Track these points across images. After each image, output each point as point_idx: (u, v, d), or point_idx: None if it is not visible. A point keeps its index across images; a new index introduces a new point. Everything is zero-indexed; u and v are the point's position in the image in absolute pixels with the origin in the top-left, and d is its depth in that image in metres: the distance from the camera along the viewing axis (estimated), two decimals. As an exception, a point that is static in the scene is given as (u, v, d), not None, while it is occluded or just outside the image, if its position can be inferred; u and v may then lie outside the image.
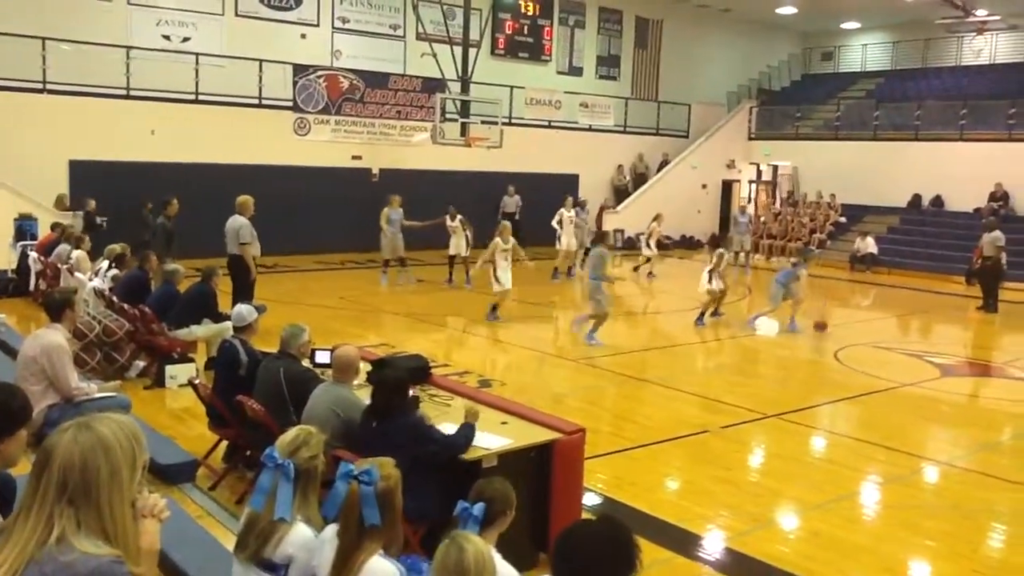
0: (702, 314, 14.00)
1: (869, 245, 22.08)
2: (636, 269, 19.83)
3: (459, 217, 16.55)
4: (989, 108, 23.20)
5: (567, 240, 18.12)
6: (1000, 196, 22.24)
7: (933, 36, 27.53)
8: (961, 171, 22.77)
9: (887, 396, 9.96)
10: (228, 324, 7.50)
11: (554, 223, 18.26)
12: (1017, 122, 22.47)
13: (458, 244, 16.60)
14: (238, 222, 11.07)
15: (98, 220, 15.97)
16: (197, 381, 6.74)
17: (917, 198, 24.02)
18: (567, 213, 18.08)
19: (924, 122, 24.14)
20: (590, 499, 6.16)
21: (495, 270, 13.16)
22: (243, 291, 10.75)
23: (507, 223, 14.20)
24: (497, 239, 13.24)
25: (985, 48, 27.68)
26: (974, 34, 25.59)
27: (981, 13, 21.94)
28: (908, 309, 16.94)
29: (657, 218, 19.69)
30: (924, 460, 7.83)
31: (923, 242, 22.05)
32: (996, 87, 24.53)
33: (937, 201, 23.75)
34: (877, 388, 10.20)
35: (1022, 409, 10.13)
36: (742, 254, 20.95)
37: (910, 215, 23.82)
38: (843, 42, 31.93)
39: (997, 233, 16.42)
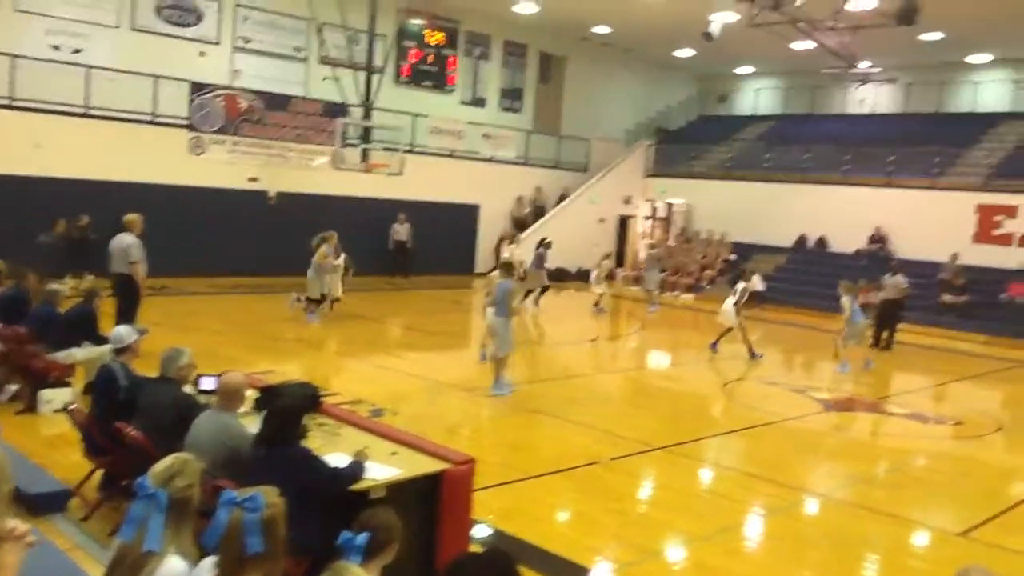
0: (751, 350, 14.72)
1: (757, 283, 22.78)
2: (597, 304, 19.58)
3: (343, 256, 15.53)
4: (870, 155, 24.41)
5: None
6: (879, 239, 23.36)
7: (820, 84, 28.84)
8: (844, 214, 23.87)
9: (771, 429, 10.26)
10: (109, 347, 7.21)
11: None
12: (895, 169, 23.71)
13: (333, 283, 15.38)
14: (126, 240, 10.71)
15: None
16: (73, 407, 6.44)
17: (803, 238, 25.02)
18: (514, 248, 18.46)
19: (811, 166, 25.23)
20: (479, 530, 6.13)
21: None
22: (130, 312, 10.36)
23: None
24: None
25: (868, 98, 29.20)
26: (857, 84, 26.92)
27: (864, 65, 23.11)
28: (792, 346, 17.56)
29: (608, 256, 20.68)
30: (805, 492, 8.08)
31: (808, 281, 22.91)
32: (877, 135, 25.86)
33: (821, 242, 24.78)
34: (762, 422, 10.51)
35: (896, 443, 10.59)
36: (655, 292, 21.25)
37: (796, 254, 24.77)
38: (737, 86, 33.20)
39: (900, 277, 17.29)
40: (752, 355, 14.62)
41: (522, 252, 19.23)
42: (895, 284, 17.18)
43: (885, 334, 17.08)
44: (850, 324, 14.53)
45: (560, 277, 22.50)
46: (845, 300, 14.52)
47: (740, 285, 14.82)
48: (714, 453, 9.28)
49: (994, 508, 7.78)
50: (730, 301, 14.72)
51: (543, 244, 19.12)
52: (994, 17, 21.19)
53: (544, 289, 19.23)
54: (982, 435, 11.00)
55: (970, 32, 23.09)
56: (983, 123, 25.88)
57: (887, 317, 17.16)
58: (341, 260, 15.37)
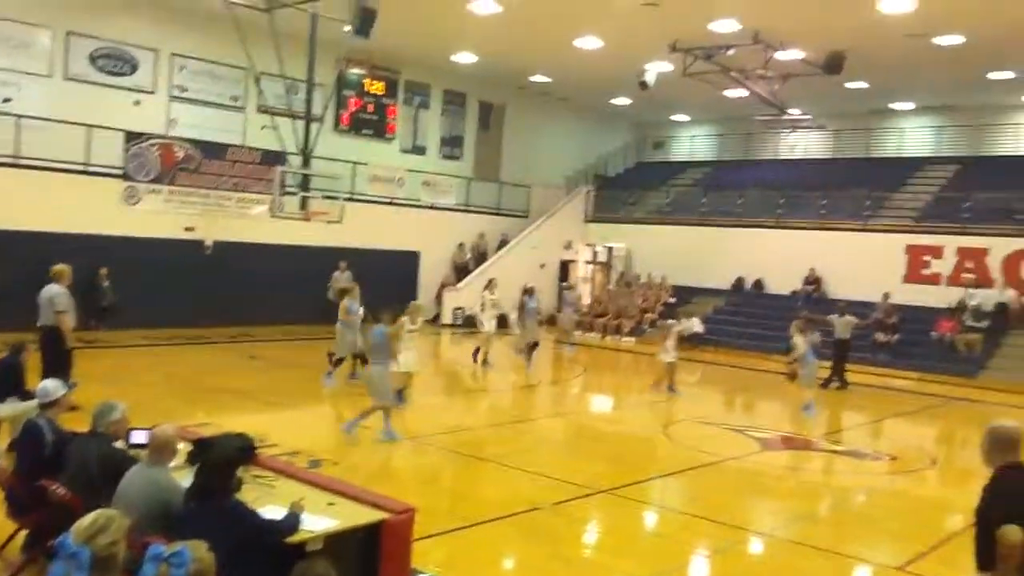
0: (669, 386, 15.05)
1: (696, 325, 23.05)
2: (476, 354, 17.81)
3: (362, 309, 14.03)
4: (803, 199, 25.06)
5: (488, 324, 17.64)
6: (813, 280, 23.89)
7: (754, 131, 29.59)
8: (779, 256, 24.40)
9: (712, 470, 10.33)
10: (35, 403, 6.98)
11: (476, 308, 18.07)
12: (827, 212, 24.37)
13: (410, 359, 13.08)
14: (52, 290, 10.45)
15: None
16: (-4, 464, 6.21)
17: (740, 281, 25.47)
18: (489, 296, 17.76)
19: (746, 210, 25.79)
20: (420, 581, 6.03)
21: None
22: (56, 365, 10.05)
23: (418, 303, 13.53)
24: (404, 318, 12.64)
25: (799, 144, 30.05)
26: (789, 131, 27.70)
27: (794, 112, 23.83)
28: (731, 386, 17.76)
29: (489, 284, 18.48)
30: (747, 531, 8.12)
31: (745, 322, 23.29)
32: (808, 179, 26.57)
33: (758, 284, 25.25)
34: (702, 462, 10.58)
35: (836, 481, 10.74)
36: (573, 333, 21.29)
37: (734, 296, 25.18)
38: (674, 133, 33.93)
39: (848, 317, 17.67)
40: (671, 390, 15.01)
41: (498, 299, 18.24)
42: (847, 323, 17.54)
43: (839, 374, 17.46)
44: (805, 365, 14.48)
45: (502, 323, 22.48)
46: (798, 340, 14.54)
47: (671, 322, 15.37)
48: (656, 495, 9.30)
49: (930, 541, 7.91)
50: (667, 341, 15.09)
51: (527, 291, 18.27)
52: (912, 69, 22.08)
53: (534, 344, 17.99)
54: (917, 470, 11.23)
55: (892, 82, 24.01)
56: (909, 167, 26.81)
57: (841, 356, 17.52)
58: (419, 324, 13.55)
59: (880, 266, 22.42)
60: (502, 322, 19.55)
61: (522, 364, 17.59)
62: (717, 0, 17.43)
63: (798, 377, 14.67)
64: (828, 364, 17.24)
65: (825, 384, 17.12)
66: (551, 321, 24.33)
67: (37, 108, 18.21)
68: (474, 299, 21.19)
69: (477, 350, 17.59)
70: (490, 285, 17.92)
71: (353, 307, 13.91)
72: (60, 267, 10.71)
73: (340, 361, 14.17)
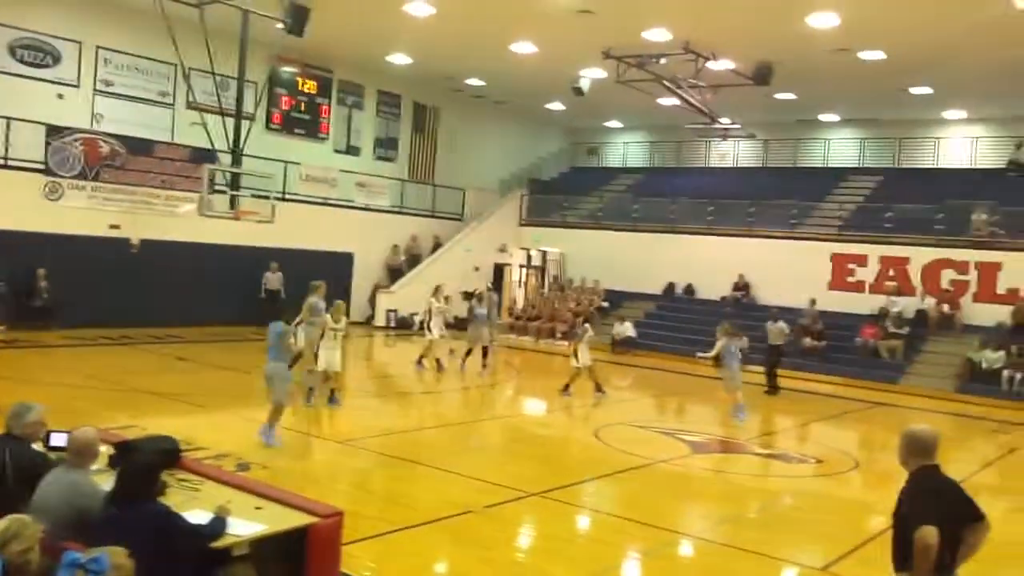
0: (567, 386, 15.11)
1: (628, 329, 23.34)
2: (420, 360, 17.66)
3: (343, 319, 13.05)
4: (732, 206, 25.52)
5: (436, 330, 17.24)
6: (742, 286, 24.34)
7: (685, 139, 30.05)
8: (709, 262, 24.81)
9: (643, 473, 10.43)
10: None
11: (420, 315, 17.96)
12: (756, 220, 24.86)
13: (332, 358, 12.76)
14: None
15: None
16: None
17: (671, 286, 25.81)
18: (435, 303, 17.33)
19: (677, 216, 26.16)
20: (350, 585, 5.95)
21: (317, 348, 12.67)
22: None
23: (341, 302, 13.17)
24: (327, 316, 12.68)
25: (729, 153, 30.62)
26: (719, 140, 28.19)
27: (725, 121, 24.26)
28: (662, 390, 17.98)
29: (437, 290, 17.72)
30: (676, 534, 8.21)
31: (676, 327, 23.59)
32: (738, 188, 27.08)
33: (689, 289, 25.62)
34: (633, 465, 10.67)
35: (763, 484, 10.94)
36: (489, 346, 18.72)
37: (665, 301, 25.50)
38: (607, 139, 34.24)
39: (782, 323, 17.99)
40: (599, 391, 15.25)
41: (446, 307, 17.99)
42: (780, 330, 17.84)
43: (771, 379, 17.70)
44: (729, 369, 14.65)
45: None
46: (721, 343, 14.71)
47: (585, 330, 15.43)
48: (588, 498, 9.34)
49: (852, 542, 8.09)
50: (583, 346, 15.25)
51: (475, 296, 18.41)
52: (838, 82, 22.67)
53: (484, 349, 17.86)
54: (841, 472, 11.49)
55: (818, 94, 24.63)
56: (834, 177, 27.51)
57: (774, 362, 17.81)
58: (343, 324, 12.89)
59: (807, 273, 22.94)
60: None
61: (457, 368, 17.53)
62: (650, 10, 17.65)
63: (723, 382, 14.92)
64: (761, 370, 17.58)
65: (771, 391, 17.43)
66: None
67: (-47, 99, 17.56)
68: (411, 302, 20.99)
69: (421, 357, 17.45)
70: (438, 291, 17.60)
71: (319, 306, 13.46)
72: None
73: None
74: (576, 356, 15.26)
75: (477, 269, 27.19)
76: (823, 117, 28.40)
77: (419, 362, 17.48)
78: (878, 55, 19.60)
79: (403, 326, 24.13)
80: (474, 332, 17.76)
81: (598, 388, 15.30)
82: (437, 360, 17.23)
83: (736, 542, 7.92)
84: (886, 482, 11.54)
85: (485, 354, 17.82)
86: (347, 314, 13.52)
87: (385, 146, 27.45)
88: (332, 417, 12.56)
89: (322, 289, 13.83)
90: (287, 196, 21.76)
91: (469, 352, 17.62)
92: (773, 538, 8.25)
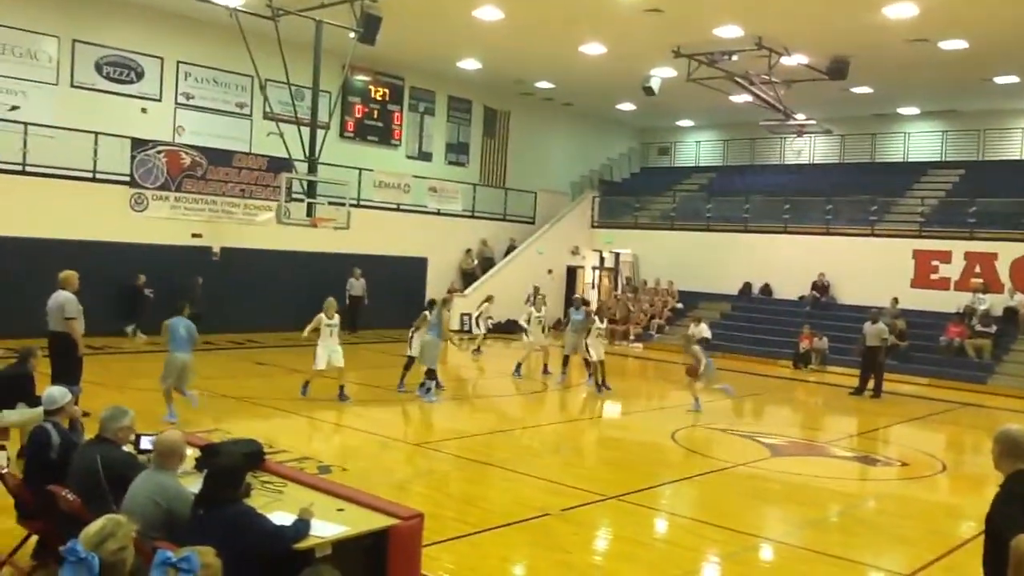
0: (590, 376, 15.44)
1: (703, 330, 22.96)
2: (477, 351, 20.01)
3: (337, 316, 13.44)
4: (808, 204, 25.01)
5: (534, 336, 18.03)
6: (821, 285, 23.82)
7: (759, 136, 29.59)
8: (786, 262, 24.36)
9: (721, 476, 10.28)
10: (41, 409, 6.98)
11: (521, 321, 18.69)
12: (834, 217, 24.32)
13: (331, 354, 13.17)
14: (62, 296, 10.47)
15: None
16: (5, 471, 6.20)
17: (747, 286, 25.41)
18: (535, 313, 18.04)
19: (752, 215, 25.75)
20: (429, 587, 6.01)
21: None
22: (66, 371, 10.05)
23: (332, 299, 13.60)
24: (321, 315, 13.13)
25: (805, 149, 30.01)
26: (794, 136, 27.68)
27: (800, 117, 23.82)
28: (740, 392, 17.66)
29: (488, 299, 20.55)
30: (756, 538, 8.07)
31: (753, 328, 23.23)
32: (814, 185, 26.54)
33: (766, 289, 25.18)
34: (711, 468, 10.53)
35: (844, 486, 10.68)
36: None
37: (741, 302, 25.12)
38: (678, 138, 33.90)
39: (881, 324, 17.41)
40: (600, 387, 15.52)
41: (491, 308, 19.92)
42: (877, 332, 17.20)
43: (871, 382, 17.20)
44: (705, 361, 14.59)
45: (510, 329, 22.45)
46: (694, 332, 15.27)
47: (592, 321, 15.85)
48: (665, 501, 9.25)
49: (940, 549, 7.86)
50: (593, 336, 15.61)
51: (573, 303, 18.20)
52: (916, 74, 22.04)
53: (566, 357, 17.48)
54: (927, 476, 11.16)
55: (896, 86, 23.98)
56: (914, 172, 26.75)
57: (869, 364, 17.24)
58: (336, 320, 13.40)
59: (888, 271, 22.37)
60: (506, 327, 19.77)
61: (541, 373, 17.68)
62: (720, 6, 17.43)
63: (699, 374, 14.61)
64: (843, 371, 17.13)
65: (858, 392, 17.05)
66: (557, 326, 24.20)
67: (44, 116, 18.31)
68: (497, 307, 21.42)
69: (520, 365, 17.37)
70: (489, 300, 18.53)
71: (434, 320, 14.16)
72: (68, 273, 10.73)
73: (433, 372, 14.02)
74: (588, 350, 15.40)
75: (550, 272, 27.19)
76: (901, 110, 27.66)
77: (517, 371, 17.21)
78: (959, 44, 18.99)
79: (500, 330, 23.58)
80: (569, 338, 16.90)
81: (600, 383, 15.52)
82: (544, 365, 17.56)
83: (818, 546, 7.75)
84: (976, 486, 11.20)
85: (565, 362, 17.35)
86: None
87: (456, 151, 27.66)
88: (406, 420, 12.69)
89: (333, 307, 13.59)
90: (361, 203, 22.09)
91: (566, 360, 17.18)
92: (856, 543, 8.05)
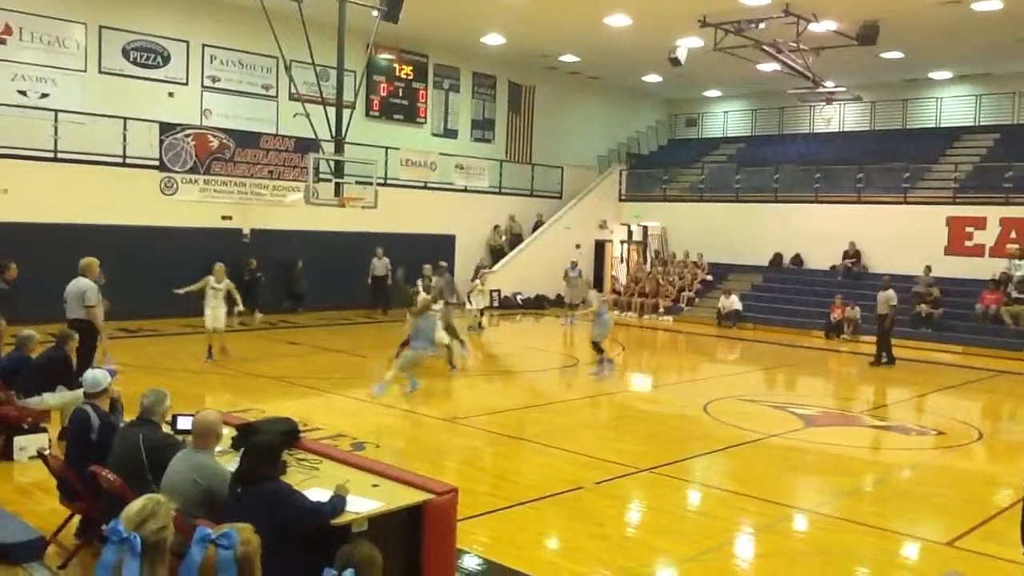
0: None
1: (734, 302, 22.92)
2: (480, 326, 20.29)
3: (225, 280, 14.34)
4: (839, 172, 24.69)
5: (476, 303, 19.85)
6: (853, 254, 23.56)
7: (788, 105, 29.21)
8: (817, 231, 24.09)
9: (754, 447, 10.25)
10: (81, 392, 7.10)
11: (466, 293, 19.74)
12: (865, 185, 24.00)
13: (216, 316, 14.26)
14: (83, 284, 10.55)
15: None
16: (47, 451, 6.33)
17: (778, 257, 25.19)
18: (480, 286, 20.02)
19: (782, 185, 25.47)
20: (468, 560, 6.07)
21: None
22: (84, 358, 10.09)
23: (220, 264, 14.48)
24: (209, 276, 14.00)
25: (834, 117, 29.60)
26: (824, 104, 27.29)
27: (829, 84, 23.47)
28: (772, 363, 17.59)
29: (480, 276, 21.61)
30: (791, 508, 8.06)
31: (784, 299, 23.06)
32: (845, 153, 26.19)
33: (797, 259, 24.96)
34: (745, 440, 10.50)
35: (879, 456, 10.62)
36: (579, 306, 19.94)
37: (772, 273, 24.92)
38: (706, 109, 33.52)
39: (890, 292, 17.27)
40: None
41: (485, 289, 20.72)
42: (886, 299, 17.11)
43: (884, 351, 17.09)
44: (598, 322, 14.64)
45: (540, 304, 22.49)
46: (591, 295, 15.37)
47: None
48: (698, 473, 9.25)
49: (978, 517, 7.80)
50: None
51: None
52: (949, 37, 21.57)
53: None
54: (963, 444, 11.06)
55: (928, 51, 23.51)
56: (947, 138, 26.30)
57: (879, 332, 17.15)
58: (223, 285, 14.24)
59: (921, 239, 22.07)
60: (536, 303, 19.86)
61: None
62: (748, -28, 17.18)
63: (592, 334, 14.72)
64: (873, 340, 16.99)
65: (876, 362, 16.93)
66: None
67: (73, 103, 18.48)
68: (516, 282, 21.76)
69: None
70: (480, 275, 20.08)
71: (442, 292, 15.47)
72: (89, 260, 10.79)
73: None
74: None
75: (578, 246, 27.14)
76: (933, 75, 27.14)
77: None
78: (994, 5, 18.56)
79: (505, 306, 24.20)
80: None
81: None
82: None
83: (855, 516, 7.72)
84: (1013, 454, 11.11)
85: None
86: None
87: (482, 127, 27.59)
88: (437, 396, 12.77)
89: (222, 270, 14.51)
90: (388, 181, 22.12)
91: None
92: (893, 512, 8.00)
